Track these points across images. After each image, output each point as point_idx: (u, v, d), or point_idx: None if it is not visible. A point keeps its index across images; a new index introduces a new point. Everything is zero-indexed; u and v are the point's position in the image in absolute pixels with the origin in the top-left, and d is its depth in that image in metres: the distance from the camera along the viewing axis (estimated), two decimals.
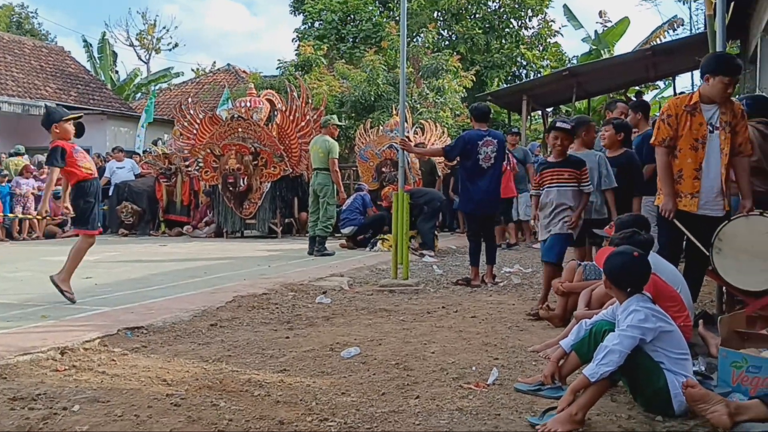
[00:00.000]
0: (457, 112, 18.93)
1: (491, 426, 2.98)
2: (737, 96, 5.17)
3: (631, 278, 3.23)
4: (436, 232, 10.64)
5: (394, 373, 3.86)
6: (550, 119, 22.00)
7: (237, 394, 3.42)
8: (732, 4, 7.70)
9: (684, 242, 4.74)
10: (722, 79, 4.44)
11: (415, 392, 3.51)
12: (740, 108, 4.83)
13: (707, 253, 4.54)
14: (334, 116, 11.70)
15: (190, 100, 14.41)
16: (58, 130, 6.02)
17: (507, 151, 9.28)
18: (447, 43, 23.38)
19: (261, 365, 4.06)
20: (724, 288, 5.06)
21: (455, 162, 7.56)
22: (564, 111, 21.85)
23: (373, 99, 18.04)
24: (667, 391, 3.06)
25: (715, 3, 5.57)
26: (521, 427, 2.96)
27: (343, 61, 20.55)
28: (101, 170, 16.14)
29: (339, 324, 5.30)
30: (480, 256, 7.23)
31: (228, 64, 29.93)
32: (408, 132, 13.12)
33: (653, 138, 4.75)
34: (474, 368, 3.92)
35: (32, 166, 14.58)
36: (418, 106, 17.90)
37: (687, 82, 49.15)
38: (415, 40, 21.86)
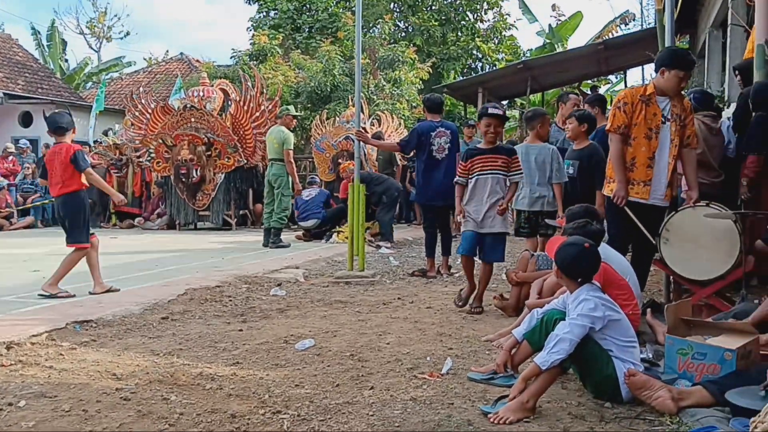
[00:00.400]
0: (414, 104, 18.96)
1: (444, 415, 2.99)
2: (685, 90, 5.28)
3: (582, 268, 3.28)
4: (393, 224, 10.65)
5: (348, 365, 3.86)
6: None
7: (188, 388, 3.37)
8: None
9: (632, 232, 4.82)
10: (677, 72, 4.55)
11: (370, 383, 3.51)
12: (689, 103, 4.97)
13: (654, 242, 4.64)
14: (291, 107, 11.60)
15: (141, 89, 14.12)
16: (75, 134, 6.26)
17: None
18: (403, 34, 23.37)
19: (213, 358, 4.01)
20: (671, 277, 5.20)
21: (412, 154, 7.58)
22: (519, 104, 22.11)
23: (329, 90, 17.95)
24: (615, 378, 3.12)
25: None
26: (474, 416, 2.99)
27: (299, 51, 20.37)
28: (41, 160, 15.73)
29: (294, 316, 5.27)
30: (436, 248, 7.27)
31: (181, 53, 29.40)
32: (364, 123, 13.08)
33: (608, 125, 4.82)
34: (428, 358, 3.94)
35: None
36: (375, 97, 17.88)
37: (638, 76, 50.13)
38: (371, 31, 21.81)
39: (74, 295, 5.78)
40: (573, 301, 3.23)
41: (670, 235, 4.84)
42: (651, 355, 3.82)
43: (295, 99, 18.02)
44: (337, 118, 14.78)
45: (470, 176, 5.37)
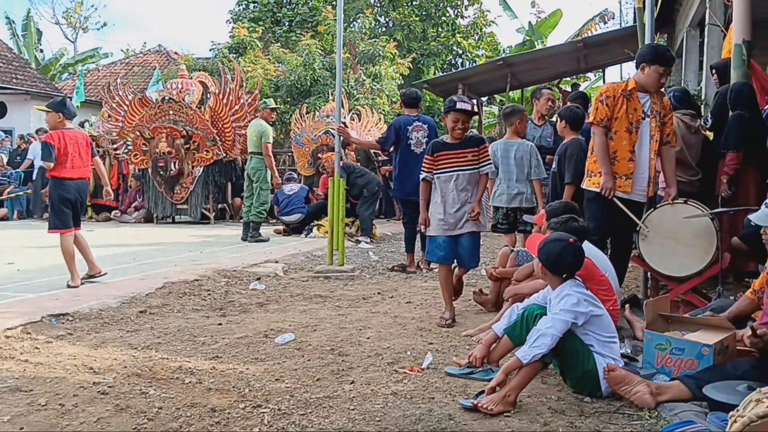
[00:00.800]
0: (394, 99, 18.91)
1: (425, 409, 3.00)
2: (665, 89, 5.33)
3: (567, 264, 3.29)
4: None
5: (329, 359, 3.85)
6: (484, 108, 22.33)
7: (167, 382, 3.34)
8: None
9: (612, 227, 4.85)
10: (657, 68, 4.60)
11: (350, 377, 3.50)
12: (668, 101, 5.02)
13: (645, 229, 4.66)
14: (270, 100, 11.52)
15: (119, 80, 13.92)
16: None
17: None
18: (384, 29, 23.32)
19: (192, 352, 3.98)
20: (649, 273, 5.25)
21: (391, 150, 7.55)
22: (498, 100, 22.17)
23: (309, 84, 17.85)
24: (595, 372, 3.15)
25: None
26: (455, 410, 2.99)
27: (279, 44, 20.23)
28: (24, 152, 15.45)
29: (273, 310, 5.24)
30: (415, 243, 7.27)
31: (159, 45, 29.06)
32: (344, 118, 13.03)
33: (591, 118, 4.85)
34: (409, 353, 3.94)
35: None
36: (355, 92, 17.81)
37: (616, 74, 50.47)
38: (351, 25, 21.72)
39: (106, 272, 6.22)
40: (556, 296, 3.25)
41: (649, 232, 4.89)
42: (629, 351, 3.85)
43: (275, 93, 17.90)
44: (317, 113, 14.70)
45: (436, 172, 4.95)
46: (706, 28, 8.74)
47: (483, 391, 3.12)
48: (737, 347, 3.52)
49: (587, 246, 4.26)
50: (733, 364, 3.18)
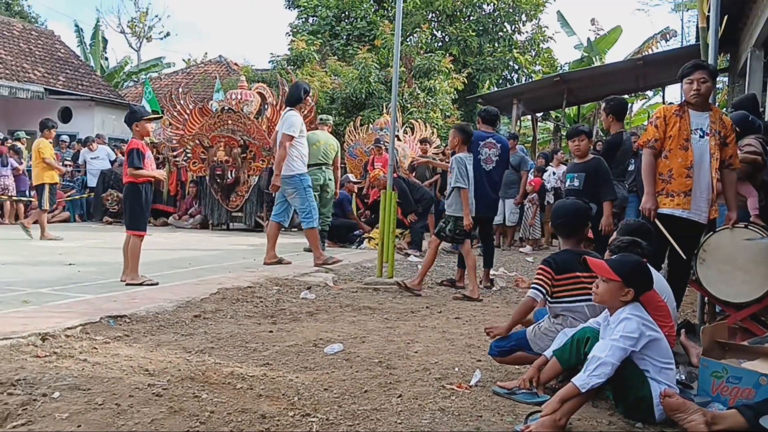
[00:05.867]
0: (448, 114, 18.96)
1: (473, 427, 2.98)
2: (727, 110, 5.24)
3: (639, 279, 3.23)
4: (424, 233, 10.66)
5: (377, 371, 3.86)
6: (539, 124, 22.13)
7: (219, 387, 3.41)
8: (726, 17, 7.77)
9: (668, 250, 4.76)
10: (686, 80, 4.64)
11: (398, 391, 3.50)
12: (730, 122, 4.91)
13: (683, 256, 4.57)
14: (326, 116, 11.63)
15: (180, 89, 14.32)
16: (138, 128, 6.33)
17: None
18: (440, 44, 23.40)
19: (244, 358, 4.05)
20: (706, 298, 5.12)
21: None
22: (554, 116, 21.97)
23: (364, 96, 18.03)
24: (650, 398, 3.08)
25: (709, 16, 5.63)
26: (502, 429, 2.97)
27: (336, 57, 20.51)
28: (75, 156, 15.97)
29: (323, 320, 5.29)
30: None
31: (220, 56, 29.78)
32: (397, 131, 13.11)
33: (640, 139, 4.84)
34: (457, 369, 3.93)
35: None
36: (409, 105, 17.91)
37: (677, 92, 49.51)
38: (408, 39, 21.86)
39: (157, 282, 6.26)
40: (614, 320, 3.19)
41: (707, 256, 4.78)
42: (684, 377, 3.76)
43: (330, 105, 18.13)
44: (371, 125, 14.83)
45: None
46: None
47: (532, 413, 3.10)
48: None
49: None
50: None
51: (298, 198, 7.81)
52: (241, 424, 2.94)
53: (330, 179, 9.79)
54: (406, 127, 14.94)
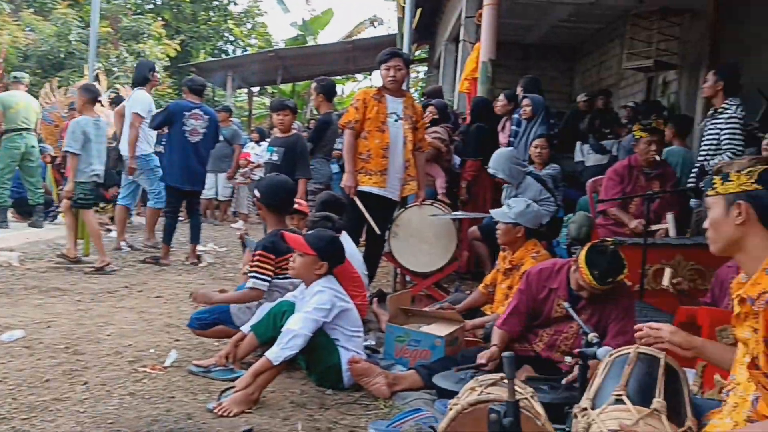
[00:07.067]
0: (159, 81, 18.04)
1: (163, 409, 2.88)
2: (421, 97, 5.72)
3: (332, 252, 3.36)
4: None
5: (62, 358, 3.56)
6: (256, 98, 22.13)
7: None
8: (420, 9, 8.46)
9: (365, 224, 5.05)
10: (384, 66, 4.95)
11: (84, 378, 3.27)
12: (421, 108, 5.38)
13: (379, 231, 4.91)
14: (21, 74, 10.26)
15: None
16: None
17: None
18: (151, 6, 22.08)
19: None
20: (398, 269, 5.56)
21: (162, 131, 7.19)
22: (270, 92, 22.12)
23: (63, 56, 16.38)
24: (339, 365, 3.25)
25: (405, 7, 6.08)
26: (195, 409, 2.91)
27: (32, 10, 18.28)
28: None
29: (2, 304, 4.71)
30: (173, 234, 6.97)
31: None
32: (101, 97, 12.11)
33: (341, 120, 5.05)
34: (153, 350, 3.78)
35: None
36: (115, 69, 16.69)
37: None
38: None
39: None
40: (309, 292, 3.28)
41: (399, 230, 5.19)
42: (374, 343, 4.04)
43: (24, 63, 16.16)
44: (70, 88, 13.50)
45: None
46: (461, 44, 9.47)
47: (226, 389, 3.07)
48: (466, 338, 3.86)
49: (345, 240, 4.42)
50: (462, 354, 3.46)
51: (146, 178, 7.42)
52: None
53: (33, 146, 8.80)
54: (111, 92, 13.87)
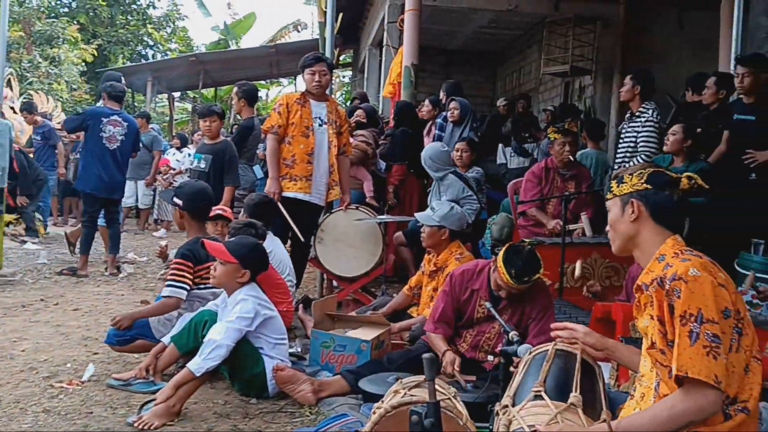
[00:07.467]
0: (74, 86, 17.43)
1: (81, 425, 2.78)
2: (347, 101, 5.74)
3: (255, 260, 3.29)
4: (40, 217, 9.61)
5: None
6: (177, 104, 21.65)
7: None
8: (341, 15, 8.48)
9: (290, 231, 5.02)
10: (308, 71, 4.90)
11: None
12: (344, 112, 5.38)
13: (302, 238, 4.88)
14: None
15: None
16: None
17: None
18: (66, 10, 21.31)
19: None
20: (324, 274, 5.55)
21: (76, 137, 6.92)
22: (191, 97, 21.69)
23: None
24: (264, 374, 3.20)
25: (326, 11, 6.08)
26: (114, 424, 2.82)
27: None
28: None
29: None
30: (92, 243, 6.73)
31: None
32: (13, 103, 11.61)
33: (264, 125, 4.99)
34: (69, 365, 3.64)
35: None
36: (28, 75, 16.02)
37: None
38: (28, 1, 19.48)
39: None
40: (232, 301, 3.23)
41: (324, 235, 5.18)
42: (299, 349, 4.01)
43: None
44: None
45: None
46: (384, 49, 9.56)
47: (147, 402, 2.99)
48: (392, 341, 3.89)
49: (275, 244, 4.40)
50: (388, 358, 3.48)
51: None
52: None
53: None
54: (24, 98, 13.31)
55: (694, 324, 1.78)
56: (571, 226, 4.85)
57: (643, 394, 1.97)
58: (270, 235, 4.43)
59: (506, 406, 2.13)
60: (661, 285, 1.87)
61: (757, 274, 3.85)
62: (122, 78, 6.82)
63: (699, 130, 4.95)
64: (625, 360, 2.23)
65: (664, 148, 4.86)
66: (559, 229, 4.63)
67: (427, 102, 7.03)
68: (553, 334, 2.27)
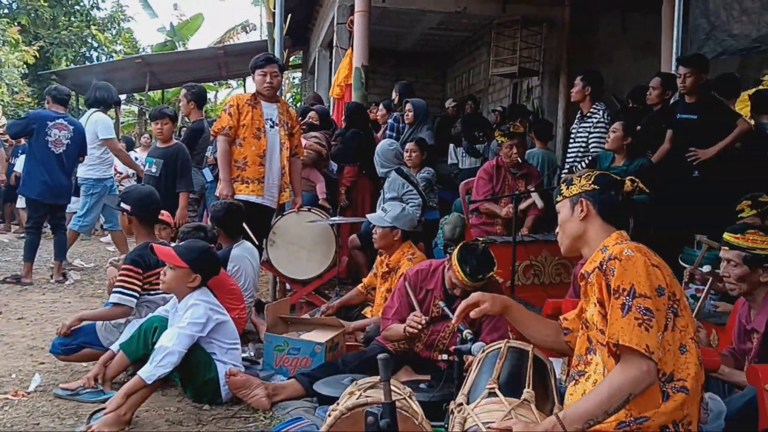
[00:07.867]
0: (16, 89, 16.93)
1: None
2: (299, 102, 5.71)
3: (206, 264, 3.24)
4: None
5: None
6: (123, 106, 21.21)
7: None
8: (290, 16, 8.43)
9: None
10: (259, 72, 4.86)
11: None
12: (295, 114, 5.35)
13: (255, 242, 4.84)
14: None
15: None
16: None
17: None
18: (6, 11, 20.66)
19: None
20: (277, 277, 5.50)
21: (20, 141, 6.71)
22: (138, 99, 21.28)
23: None
24: (217, 380, 3.16)
25: (275, 12, 6.04)
26: None
27: None
28: None
29: None
30: (37, 251, 6.53)
31: None
32: None
33: (214, 127, 4.91)
34: (14, 375, 3.54)
35: None
36: None
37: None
38: None
39: None
40: (183, 306, 3.17)
41: (277, 238, 5.13)
42: (253, 354, 3.97)
43: None
44: None
45: None
46: (334, 50, 9.54)
47: (96, 411, 2.92)
48: (346, 343, 3.88)
49: (242, 260, 4.34)
50: (343, 360, 3.47)
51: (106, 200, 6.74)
52: None
53: None
54: None
55: (627, 297, 1.90)
56: (523, 204, 4.98)
57: (595, 381, 2.03)
58: (242, 247, 4.41)
59: (461, 404, 2.15)
60: (600, 268, 1.99)
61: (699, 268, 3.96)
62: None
63: (639, 128, 5.08)
64: (521, 320, 2.35)
65: (605, 146, 4.98)
66: (511, 215, 4.68)
67: (381, 106, 7.05)
68: (456, 314, 2.37)
